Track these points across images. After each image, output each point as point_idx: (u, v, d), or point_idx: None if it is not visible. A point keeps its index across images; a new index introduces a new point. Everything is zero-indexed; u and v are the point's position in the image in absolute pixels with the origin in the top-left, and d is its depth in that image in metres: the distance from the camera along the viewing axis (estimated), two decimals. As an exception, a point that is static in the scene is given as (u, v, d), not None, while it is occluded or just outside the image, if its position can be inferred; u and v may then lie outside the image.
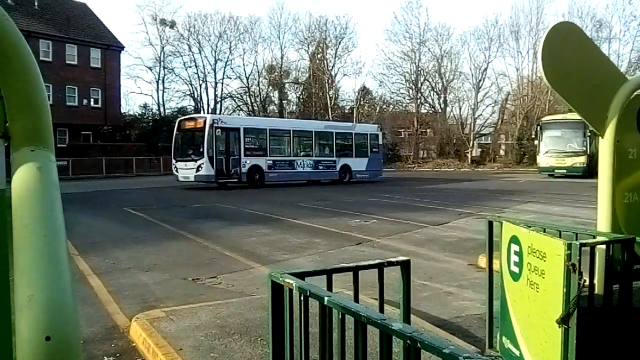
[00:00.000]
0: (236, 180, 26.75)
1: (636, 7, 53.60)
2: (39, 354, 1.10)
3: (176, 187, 26.66)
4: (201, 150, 25.50)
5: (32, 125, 1.53)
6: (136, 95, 68.98)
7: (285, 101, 62.17)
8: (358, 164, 32.11)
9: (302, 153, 30.15)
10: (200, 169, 25.39)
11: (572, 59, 4.23)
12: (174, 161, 27.25)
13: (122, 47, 48.48)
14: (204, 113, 59.56)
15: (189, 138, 27.30)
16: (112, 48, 46.39)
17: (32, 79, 1.53)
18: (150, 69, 57.40)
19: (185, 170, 26.13)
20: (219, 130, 26.18)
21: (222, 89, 61.74)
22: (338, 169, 31.22)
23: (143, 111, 54.27)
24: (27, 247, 1.31)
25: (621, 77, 4.65)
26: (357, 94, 58.87)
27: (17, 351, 1.14)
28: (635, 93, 4.44)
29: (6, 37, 1.49)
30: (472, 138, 54.68)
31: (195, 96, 60.40)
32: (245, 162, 26.88)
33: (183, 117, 33.03)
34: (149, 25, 56.00)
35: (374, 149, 33.41)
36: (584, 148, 31.68)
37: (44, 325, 1.12)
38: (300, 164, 29.74)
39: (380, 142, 35.45)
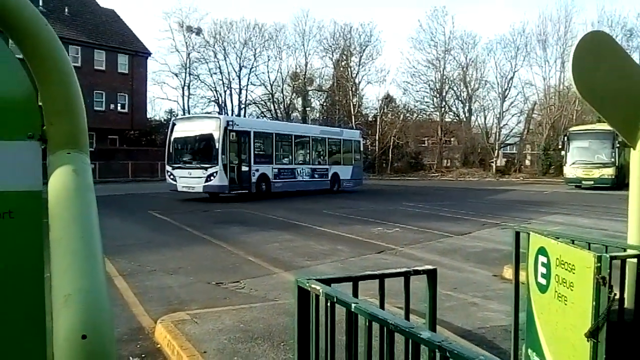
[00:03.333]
0: (247, 191, 23.49)
1: (667, 17, 52.60)
2: (75, 351, 1.13)
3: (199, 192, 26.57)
4: (214, 156, 22.04)
5: (69, 129, 1.57)
6: (162, 100, 69.78)
7: (309, 108, 62.36)
8: (345, 172, 30.17)
9: (301, 160, 27.72)
10: (212, 178, 21.91)
11: (603, 68, 4.18)
12: (169, 168, 23.51)
13: (149, 54, 49.18)
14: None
15: (194, 142, 23.52)
16: (140, 54, 47.09)
17: (70, 85, 1.57)
18: (176, 75, 58.05)
19: (190, 179, 22.48)
20: (233, 133, 22.77)
21: (246, 95, 62.16)
22: (329, 177, 29.07)
23: (169, 116, 54.86)
24: (64, 248, 1.34)
25: (654, 87, 4.57)
26: (380, 101, 58.80)
27: (55, 349, 1.17)
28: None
29: (46, 45, 1.53)
30: (497, 147, 54.17)
31: (220, 102, 60.88)
32: (255, 170, 23.90)
33: (184, 117, 30.33)
34: (175, 32, 56.68)
35: (356, 157, 31.80)
36: (613, 159, 31.11)
37: (81, 324, 1.15)
38: (300, 172, 27.19)
39: (362, 149, 33.82)
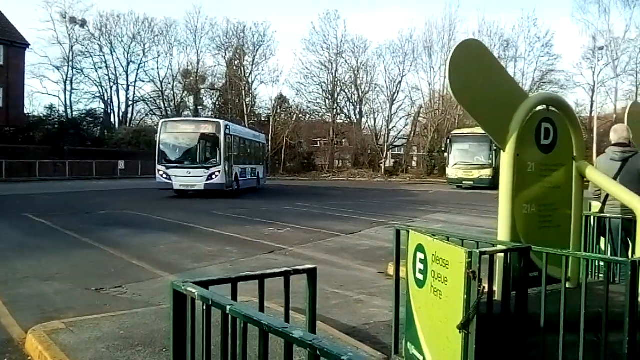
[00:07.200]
0: (231, 188, 25.50)
1: (540, 29, 56.90)
2: None
3: (81, 192, 25.25)
4: (217, 157, 24.16)
5: None
6: (42, 95, 65.22)
7: (201, 107, 61.23)
8: (262, 171, 33.34)
9: (248, 161, 29.92)
10: (214, 177, 23.87)
11: (476, 75, 4.41)
12: (162, 167, 24.26)
13: (28, 45, 46.15)
14: (114, 116, 57.89)
15: (194, 142, 24.86)
16: (17, 45, 44.05)
17: None
18: (57, 68, 54.94)
19: (188, 179, 23.93)
20: (229, 136, 25.09)
21: (134, 92, 60.11)
22: (257, 176, 31.76)
23: (49, 112, 51.68)
24: None
25: (522, 94, 4.89)
26: (274, 102, 58.93)
27: None
28: (535, 109, 4.69)
29: None
30: (386, 149, 56.07)
31: (106, 98, 58.41)
32: (234, 170, 26.08)
33: (175, 119, 32.76)
34: (57, 23, 53.57)
35: (265, 157, 35.02)
36: (490, 161, 33.13)
37: None
38: (248, 171, 29.55)
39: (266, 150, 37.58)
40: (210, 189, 24.07)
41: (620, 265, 4.53)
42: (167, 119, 30.64)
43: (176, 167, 24.09)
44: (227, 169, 24.68)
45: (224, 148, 24.29)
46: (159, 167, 24.40)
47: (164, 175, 24.12)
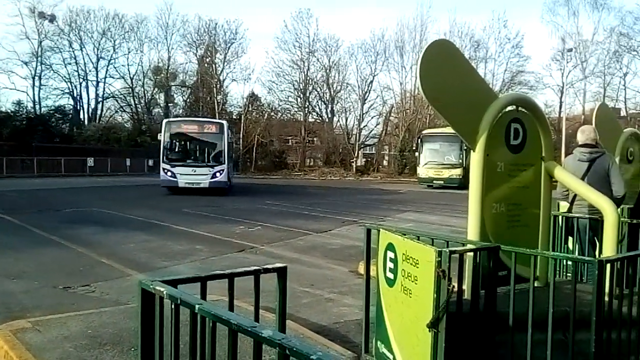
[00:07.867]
0: (228, 186, 26.04)
1: (510, 31, 57.68)
2: None
3: (49, 189, 24.77)
4: (222, 156, 24.97)
5: None
6: (9, 91, 63.66)
7: (171, 104, 60.57)
8: (231, 169, 33.27)
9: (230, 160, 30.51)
10: (218, 175, 24.74)
11: (447, 75, 4.44)
12: (166, 166, 24.84)
13: (-6, 39, 45.07)
14: (84, 113, 57.03)
15: (199, 142, 25.92)
16: (-18, 39, 43.01)
17: None
18: (26, 64, 53.67)
19: (194, 177, 24.59)
20: (230, 136, 25.83)
21: (104, 88, 59.17)
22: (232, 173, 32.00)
23: (16, 108, 50.39)
24: None
25: (492, 94, 4.95)
26: (245, 100, 58.59)
27: None
28: (504, 110, 4.75)
29: None
30: (357, 148, 56.24)
31: (75, 95, 57.36)
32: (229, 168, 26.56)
33: (179, 119, 33.02)
34: (26, 17, 52.36)
35: (235, 155, 35.84)
36: (460, 161, 33.45)
37: None
38: (231, 169, 29.67)
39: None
40: (214, 186, 24.80)
41: (587, 264, 4.63)
42: (170, 119, 31.00)
43: (181, 166, 24.79)
44: (228, 167, 25.40)
45: (227, 148, 25.14)
46: (163, 165, 24.96)
47: (169, 173, 24.75)
